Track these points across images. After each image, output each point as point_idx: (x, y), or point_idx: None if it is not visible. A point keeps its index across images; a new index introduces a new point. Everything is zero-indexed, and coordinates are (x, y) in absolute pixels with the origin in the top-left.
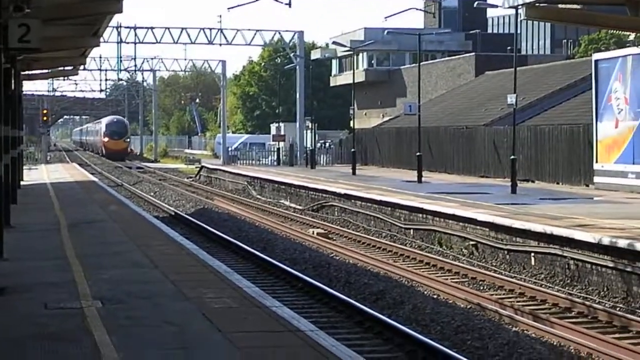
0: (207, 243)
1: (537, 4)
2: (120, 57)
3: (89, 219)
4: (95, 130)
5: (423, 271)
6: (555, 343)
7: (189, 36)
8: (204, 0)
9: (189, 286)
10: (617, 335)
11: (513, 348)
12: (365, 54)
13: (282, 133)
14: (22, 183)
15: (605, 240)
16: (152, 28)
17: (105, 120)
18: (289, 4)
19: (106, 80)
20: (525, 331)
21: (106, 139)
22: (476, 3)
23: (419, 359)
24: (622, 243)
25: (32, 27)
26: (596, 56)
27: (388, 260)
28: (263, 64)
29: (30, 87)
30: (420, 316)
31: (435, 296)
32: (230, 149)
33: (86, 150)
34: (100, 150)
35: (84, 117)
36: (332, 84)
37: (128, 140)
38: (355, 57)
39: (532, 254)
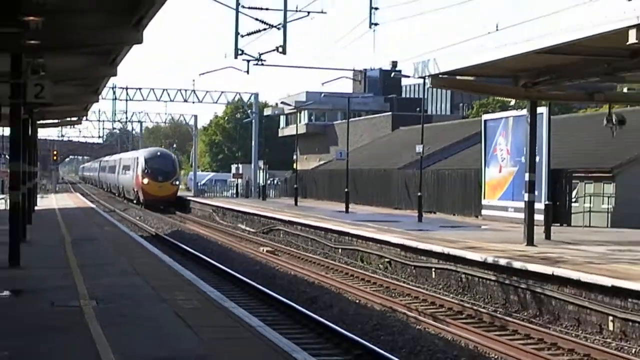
0: (180, 257)
1: (439, 76)
2: (115, 111)
3: (88, 236)
4: (123, 167)
5: (348, 281)
6: (449, 338)
7: (168, 95)
8: (181, 67)
9: (165, 290)
10: (497, 333)
11: (417, 342)
12: (306, 111)
13: (240, 172)
14: (36, 208)
15: (490, 259)
16: (139, 89)
17: (144, 153)
18: (247, 72)
19: (103, 128)
20: (426, 329)
21: (146, 180)
22: (393, 74)
23: (342, 348)
24: (502, 262)
25: (45, 86)
26: (485, 117)
27: (321, 273)
28: (226, 118)
29: (43, 133)
30: (345, 316)
31: (357, 301)
32: (199, 184)
33: (89, 186)
34: (135, 194)
35: (85, 157)
36: (280, 135)
37: (177, 183)
38: (298, 114)
39: (433, 269)
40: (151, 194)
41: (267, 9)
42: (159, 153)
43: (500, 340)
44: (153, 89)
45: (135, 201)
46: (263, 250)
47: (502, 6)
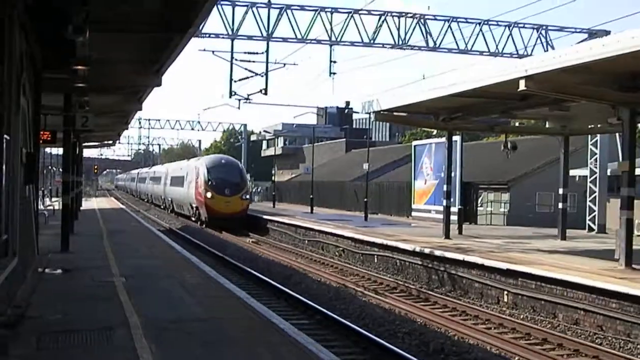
0: (188, 245)
1: (381, 112)
2: (140, 136)
3: (119, 229)
4: (173, 178)
5: (312, 264)
6: (387, 307)
7: (180, 124)
8: (189, 104)
9: (175, 270)
10: (422, 303)
11: (363, 310)
12: (282, 137)
13: None
14: (81, 208)
15: (417, 249)
16: (158, 119)
17: (205, 161)
18: (239, 108)
19: (131, 149)
20: (370, 300)
21: (209, 194)
22: (346, 110)
23: (308, 315)
24: (427, 250)
25: (89, 118)
26: (414, 143)
27: (291, 258)
28: (222, 142)
29: (87, 152)
30: (310, 291)
31: (319, 279)
32: None
33: (122, 192)
34: (193, 211)
35: (118, 170)
36: (262, 155)
37: (247, 197)
38: (276, 139)
39: (375, 256)
40: (217, 210)
41: (253, 61)
42: (223, 161)
43: (424, 309)
44: (168, 120)
45: (194, 218)
46: (249, 241)
47: (431, 59)
